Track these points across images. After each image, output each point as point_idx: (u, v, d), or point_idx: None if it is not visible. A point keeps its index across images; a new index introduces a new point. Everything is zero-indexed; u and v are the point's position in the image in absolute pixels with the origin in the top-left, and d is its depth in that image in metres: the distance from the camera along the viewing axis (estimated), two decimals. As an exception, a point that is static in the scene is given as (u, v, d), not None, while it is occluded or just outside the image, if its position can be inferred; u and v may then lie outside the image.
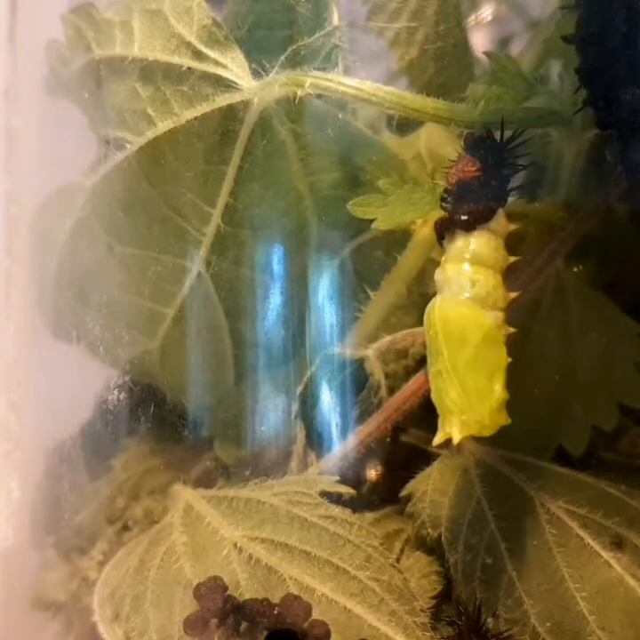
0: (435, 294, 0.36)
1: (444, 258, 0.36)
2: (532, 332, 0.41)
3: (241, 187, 0.42)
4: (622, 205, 0.40)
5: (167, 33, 0.41)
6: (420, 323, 0.43)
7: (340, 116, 0.42)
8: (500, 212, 0.35)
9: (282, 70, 0.40)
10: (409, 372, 0.43)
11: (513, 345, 0.35)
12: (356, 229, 0.43)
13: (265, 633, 0.35)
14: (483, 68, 0.42)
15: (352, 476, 0.42)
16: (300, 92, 0.39)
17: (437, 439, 0.34)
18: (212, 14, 0.40)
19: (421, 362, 0.42)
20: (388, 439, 0.43)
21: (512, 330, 0.35)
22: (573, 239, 0.41)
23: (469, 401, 0.34)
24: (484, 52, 0.39)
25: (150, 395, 0.46)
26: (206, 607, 0.35)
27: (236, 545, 0.38)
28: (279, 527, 0.39)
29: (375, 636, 0.36)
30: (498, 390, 0.34)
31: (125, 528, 0.47)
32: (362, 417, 0.43)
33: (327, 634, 0.35)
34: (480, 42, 0.45)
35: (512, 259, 0.36)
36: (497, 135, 0.36)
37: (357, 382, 0.43)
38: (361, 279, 0.44)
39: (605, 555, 0.37)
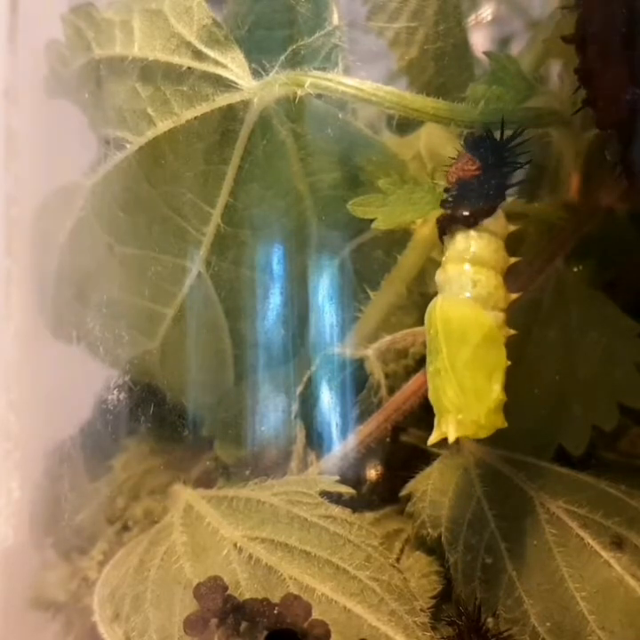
0: (435, 294, 0.36)
1: (444, 258, 0.36)
2: (532, 332, 0.41)
3: (241, 187, 0.42)
4: (622, 205, 0.40)
5: (167, 33, 0.41)
6: (420, 323, 0.43)
7: (340, 115, 0.42)
8: (500, 213, 0.35)
9: (282, 70, 0.40)
10: (409, 372, 0.43)
11: (513, 345, 0.35)
12: (355, 229, 0.43)
13: (265, 633, 0.35)
14: (483, 68, 0.42)
15: (352, 476, 0.42)
16: (300, 92, 0.39)
17: (433, 438, 0.34)
18: (211, 14, 0.40)
19: (421, 362, 0.42)
20: (388, 439, 0.43)
21: (512, 331, 0.35)
22: (573, 239, 0.41)
23: (467, 400, 0.34)
24: (484, 52, 0.39)
25: (150, 395, 0.46)
26: (206, 607, 0.35)
27: (235, 545, 0.38)
28: (279, 527, 0.39)
29: (375, 636, 0.36)
30: (496, 391, 0.34)
31: (125, 528, 0.47)
32: (362, 417, 0.43)
33: (327, 634, 0.35)
34: (480, 42, 0.45)
35: (512, 260, 0.36)
36: (497, 135, 0.36)
37: (357, 382, 0.43)
38: (361, 279, 0.44)
39: (605, 555, 0.37)
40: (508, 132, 0.35)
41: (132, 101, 0.42)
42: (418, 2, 0.42)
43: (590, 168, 0.41)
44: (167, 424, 0.46)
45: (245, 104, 0.40)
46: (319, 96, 0.40)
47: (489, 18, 0.47)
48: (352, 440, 0.42)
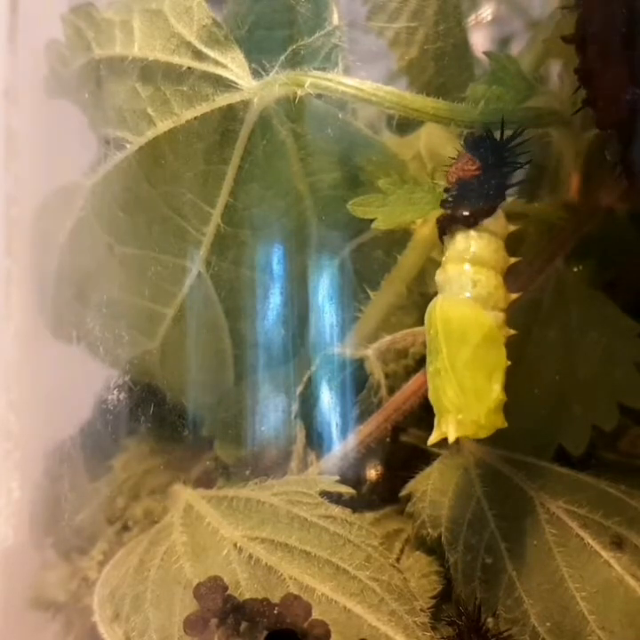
0: (435, 294, 0.36)
1: (444, 258, 0.36)
2: (532, 332, 0.41)
3: (241, 187, 0.42)
4: (622, 205, 0.40)
5: (167, 33, 0.41)
6: (420, 323, 0.43)
7: (340, 115, 0.42)
8: (500, 213, 0.35)
9: (282, 70, 0.40)
10: (409, 372, 0.43)
11: (513, 345, 0.35)
12: (355, 229, 0.43)
13: (265, 633, 0.35)
14: (483, 68, 0.42)
15: (352, 476, 0.42)
16: (300, 92, 0.39)
17: (433, 438, 0.34)
18: (211, 14, 0.40)
19: (421, 362, 0.42)
20: (388, 439, 0.43)
21: (512, 331, 0.35)
22: (573, 239, 0.41)
23: (467, 400, 0.34)
24: (484, 52, 0.39)
25: (150, 395, 0.46)
26: (206, 607, 0.35)
27: (235, 545, 0.38)
28: (279, 527, 0.39)
29: (375, 636, 0.36)
30: (496, 391, 0.34)
31: (125, 528, 0.47)
32: (362, 417, 0.43)
33: (327, 634, 0.35)
34: (480, 42, 0.45)
35: (512, 260, 0.36)
36: (497, 135, 0.36)
37: (357, 382, 0.43)
38: (361, 279, 0.44)
39: (605, 555, 0.37)
40: (507, 132, 0.35)
41: (132, 101, 0.42)
42: (418, 2, 0.42)
43: (590, 168, 0.41)
44: (167, 424, 0.46)
45: (245, 104, 0.40)
46: (319, 96, 0.40)
47: (489, 18, 0.47)
48: (352, 440, 0.42)
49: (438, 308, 0.35)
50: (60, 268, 0.47)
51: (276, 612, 0.35)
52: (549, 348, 0.41)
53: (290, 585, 0.37)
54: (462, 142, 0.36)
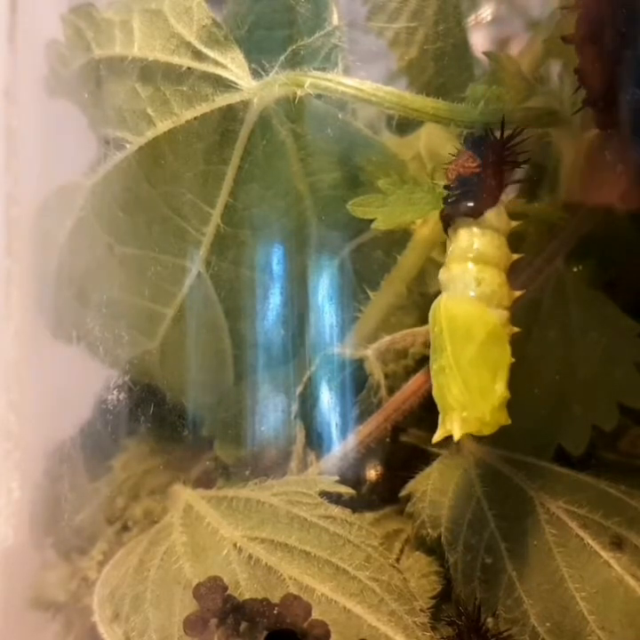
0: (435, 294, 0.36)
1: (448, 257, 0.36)
2: (532, 331, 0.41)
3: (241, 187, 0.42)
4: (622, 205, 0.40)
5: (167, 33, 0.41)
6: (419, 323, 0.43)
7: (340, 116, 0.42)
8: (502, 209, 0.35)
9: (282, 70, 0.40)
10: (409, 372, 0.43)
11: (513, 345, 0.35)
12: (356, 229, 0.43)
13: (265, 633, 0.35)
14: (483, 68, 0.42)
15: (352, 476, 0.42)
16: (299, 92, 0.39)
17: (437, 436, 0.34)
18: (211, 14, 0.40)
19: (421, 362, 0.42)
20: (388, 439, 0.43)
21: (516, 329, 0.35)
22: (573, 239, 0.41)
23: (472, 398, 0.34)
24: (484, 52, 0.39)
25: (150, 395, 0.46)
26: (206, 607, 0.35)
27: (235, 545, 0.38)
28: (279, 527, 0.39)
29: (375, 636, 0.36)
30: (500, 388, 0.34)
31: (125, 528, 0.47)
32: (362, 417, 0.43)
33: (327, 634, 0.35)
34: (480, 42, 0.45)
35: (515, 256, 0.36)
36: (497, 134, 0.36)
37: (357, 382, 0.43)
38: (361, 279, 0.44)
39: (605, 555, 0.37)
40: (507, 132, 0.35)
41: (132, 101, 0.42)
42: (418, 2, 0.42)
43: (590, 168, 0.41)
44: (167, 424, 0.46)
45: (245, 104, 0.40)
46: (319, 96, 0.40)
47: (489, 18, 0.47)
48: (352, 440, 0.42)
49: (443, 306, 0.35)
50: (60, 268, 0.47)
51: (275, 612, 0.35)
52: (549, 348, 0.41)
53: (290, 585, 0.37)
54: (462, 142, 0.36)
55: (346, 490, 0.40)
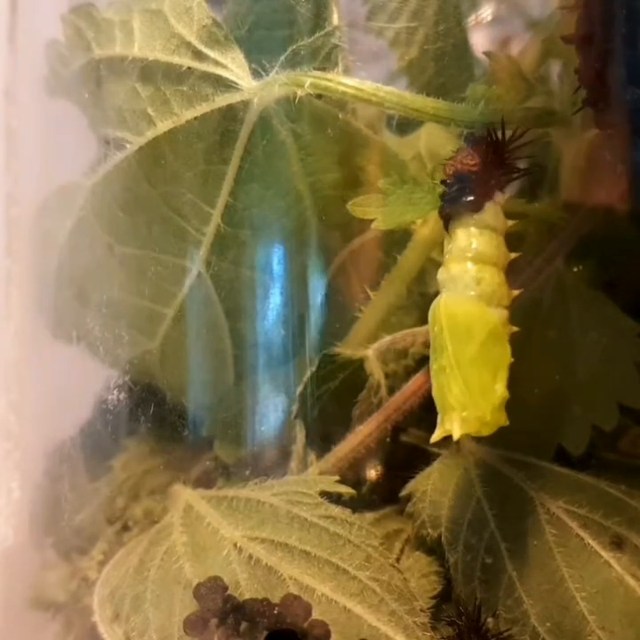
0: (435, 294, 0.36)
1: (446, 257, 0.36)
2: (532, 331, 0.41)
3: (241, 187, 0.42)
4: (622, 205, 0.40)
5: (167, 33, 0.41)
6: (419, 323, 0.43)
7: (340, 116, 0.42)
8: (499, 208, 0.35)
9: (282, 70, 0.40)
10: (409, 372, 0.43)
11: (513, 345, 0.35)
12: (355, 229, 0.43)
13: (265, 633, 0.35)
14: (483, 68, 0.42)
15: (352, 476, 0.42)
16: (300, 92, 0.39)
17: (436, 436, 0.34)
18: (211, 14, 0.40)
19: (421, 362, 0.42)
20: (388, 439, 0.43)
21: (515, 328, 0.35)
22: (573, 239, 0.41)
23: (472, 397, 0.34)
24: (484, 52, 0.39)
25: (150, 395, 0.46)
26: (206, 607, 0.35)
27: (235, 545, 0.38)
28: (279, 527, 0.39)
29: (375, 636, 0.36)
30: (500, 388, 0.34)
31: (125, 528, 0.47)
32: (362, 417, 0.43)
33: (327, 634, 0.35)
34: (480, 42, 0.45)
35: (513, 255, 0.36)
36: (497, 134, 0.36)
37: (357, 382, 0.43)
38: (361, 279, 0.44)
39: (605, 555, 0.37)
40: (508, 133, 0.35)
41: (132, 101, 0.42)
42: (418, 2, 0.42)
43: (590, 168, 0.41)
44: (167, 424, 0.46)
45: (245, 104, 0.40)
46: (319, 96, 0.40)
47: (489, 18, 0.47)
48: (352, 440, 0.42)
49: (443, 305, 0.35)
50: (60, 268, 0.47)
51: (276, 612, 0.35)
52: (549, 348, 0.41)
53: (290, 585, 0.37)
54: (463, 141, 0.36)
55: (346, 490, 0.40)
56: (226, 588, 0.36)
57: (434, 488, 0.41)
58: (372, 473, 0.43)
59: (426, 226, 0.42)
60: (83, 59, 0.44)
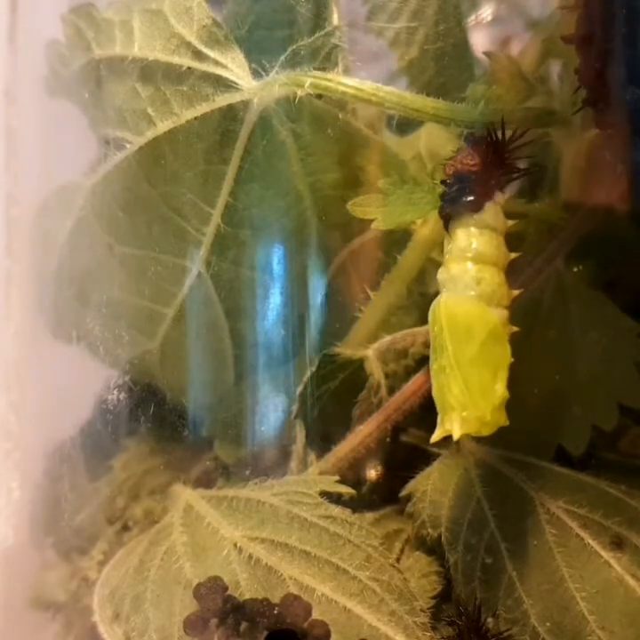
0: (435, 294, 0.36)
1: (446, 257, 0.36)
2: (532, 331, 0.41)
3: (241, 187, 0.42)
4: (622, 205, 0.40)
5: (167, 33, 0.41)
6: (420, 323, 0.43)
7: (340, 116, 0.42)
8: (499, 208, 0.35)
9: (282, 70, 0.40)
10: (409, 372, 0.43)
11: (513, 345, 0.35)
12: (355, 229, 0.43)
13: (265, 633, 0.35)
14: (483, 68, 0.42)
15: (352, 476, 0.42)
16: (300, 92, 0.39)
17: (436, 436, 0.34)
18: (211, 14, 0.40)
19: (421, 362, 0.42)
20: (388, 439, 0.43)
21: (515, 328, 0.35)
22: (573, 239, 0.41)
23: (472, 397, 0.34)
24: (484, 52, 0.39)
25: (150, 395, 0.46)
26: (206, 607, 0.35)
27: (236, 545, 0.38)
28: (279, 527, 0.39)
29: (375, 636, 0.36)
30: (500, 388, 0.34)
31: (125, 528, 0.47)
32: (362, 417, 0.43)
33: (327, 634, 0.35)
34: (480, 42, 0.45)
35: (513, 255, 0.36)
36: (497, 134, 0.36)
37: (357, 382, 0.43)
38: (361, 279, 0.44)
39: (605, 555, 0.37)
40: (508, 133, 0.35)
41: (132, 101, 0.42)
42: (418, 2, 0.42)
43: (590, 168, 0.41)
44: (167, 424, 0.46)
45: (245, 104, 0.40)
46: (319, 96, 0.40)
47: (489, 18, 0.47)
48: (352, 440, 0.42)
49: (443, 305, 0.35)
50: (60, 268, 0.47)
51: (276, 612, 0.35)
52: (549, 348, 0.41)
53: (290, 585, 0.37)
54: (463, 141, 0.36)
55: (346, 490, 0.40)
56: (226, 588, 0.36)
57: (434, 488, 0.41)
58: (372, 473, 0.43)
59: (426, 226, 0.42)
60: (83, 59, 0.44)
